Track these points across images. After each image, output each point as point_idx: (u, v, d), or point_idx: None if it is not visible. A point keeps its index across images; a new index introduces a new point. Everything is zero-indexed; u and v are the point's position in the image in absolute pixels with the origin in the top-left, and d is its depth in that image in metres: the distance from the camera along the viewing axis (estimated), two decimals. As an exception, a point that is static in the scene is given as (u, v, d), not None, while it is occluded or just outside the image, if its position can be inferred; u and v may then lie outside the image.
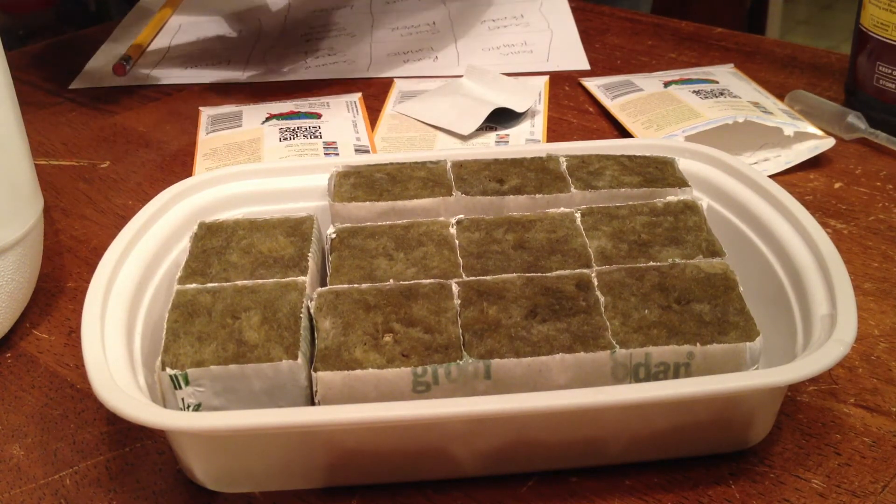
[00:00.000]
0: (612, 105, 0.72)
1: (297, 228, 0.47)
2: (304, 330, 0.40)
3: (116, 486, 0.41)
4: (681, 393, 0.36)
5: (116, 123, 0.75)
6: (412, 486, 0.40)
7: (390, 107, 0.74)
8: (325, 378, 0.38)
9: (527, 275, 0.43)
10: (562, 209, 0.47)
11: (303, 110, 0.72)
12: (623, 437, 0.39)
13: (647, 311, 0.40)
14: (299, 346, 0.39)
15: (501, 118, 0.70)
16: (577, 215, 0.47)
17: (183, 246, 0.47)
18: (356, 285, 0.42)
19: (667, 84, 0.72)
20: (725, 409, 0.39)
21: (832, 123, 0.67)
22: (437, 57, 0.84)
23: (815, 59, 0.81)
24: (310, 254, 0.45)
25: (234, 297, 0.42)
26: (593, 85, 0.77)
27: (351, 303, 0.41)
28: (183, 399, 0.39)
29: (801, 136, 0.64)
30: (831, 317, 0.39)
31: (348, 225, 0.47)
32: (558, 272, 0.43)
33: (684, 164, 0.51)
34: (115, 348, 0.39)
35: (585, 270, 0.43)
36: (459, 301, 0.41)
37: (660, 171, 0.50)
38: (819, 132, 0.65)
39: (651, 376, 0.39)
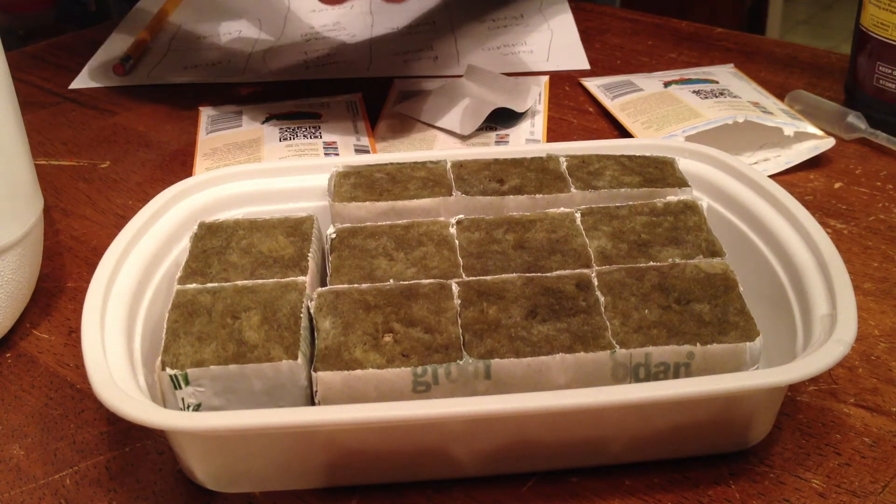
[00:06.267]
0: (612, 105, 0.72)
1: (297, 228, 0.47)
2: (304, 330, 0.40)
3: (116, 486, 0.41)
4: (681, 393, 0.36)
5: (116, 123, 0.75)
6: (412, 486, 0.40)
7: (390, 107, 0.74)
8: (325, 378, 0.38)
9: (527, 275, 0.43)
10: (562, 209, 0.47)
11: (303, 110, 0.72)
12: (623, 437, 0.39)
13: (647, 311, 0.40)
14: (299, 346, 0.39)
15: (501, 118, 0.70)
16: (577, 215, 0.47)
17: (183, 246, 0.47)
18: (356, 285, 0.42)
19: (667, 84, 0.72)
20: (725, 409, 0.39)
21: (832, 123, 0.67)
22: (437, 57, 0.84)
23: (815, 59, 0.81)
24: (310, 254, 0.45)
25: (234, 297, 0.42)
26: (593, 85, 0.77)
27: (351, 303, 0.41)
28: (183, 399, 0.39)
29: (801, 136, 0.64)
30: (831, 317, 0.39)
31: (348, 225, 0.47)
32: (558, 272, 0.43)
33: (684, 164, 0.51)
34: (115, 348, 0.39)
35: (585, 270, 0.43)
36: (459, 301, 0.41)
37: (660, 171, 0.50)
38: (819, 132, 0.65)
39: (651, 376, 0.39)
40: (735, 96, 0.69)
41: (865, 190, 0.61)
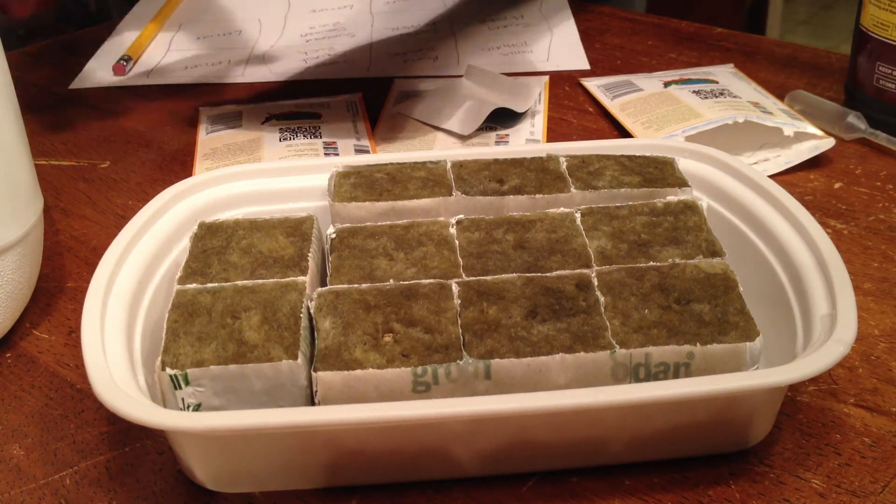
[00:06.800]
0: (612, 105, 0.72)
1: (297, 228, 0.47)
2: (304, 330, 0.40)
3: (116, 486, 0.41)
4: (681, 393, 0.36)
5: (116, 123, 0.75)
6: (412, 486, 0.40)
7: (390, 107, 0.74)
8: (325, 378, 0.38)
9: (527, 275, 0.43)
10: (562, 209, 0.47)
11: (303, 110, 0.72)
12: (623, 437, 0.39)
13: (647, 311, 0.40)
14: (299, 346, 0.39)
15: (501, 118, 0.70)
16: (577, 215, 0.47)
17: (183, 246, 0.47)
18: (356, 285, 0.42)
19: (667, 84, 0.72)
20: (725, 409, 0.39)
21: (832, 123, 0.67)
22: (437, 57, 0.84)
23: (815, 59, 0.81)
24: (310, 254, 0.45)
25: (234, 297, 0.42)
26: (593, 85, 0.77)
27: (351, 303, 0.41)
28: (183, 399, 0.39)
29: (801, 136, 0.64)
30: (831, 317, 0.39)
31: (348, 225, 0.47)
32: (558, 272, 0.43)
33: (684, 164, 0.51)
34: (115, 348, 0.39)
35: (585, 270, 0.43)
36: (459, 301, 0.41)
37: (660, 171, 0.50)
38: (819, 132, 0.65)
39: (651, 376, 0.39)
40: (735, 96, 0.69)
41: (865, 190, 0.61)
